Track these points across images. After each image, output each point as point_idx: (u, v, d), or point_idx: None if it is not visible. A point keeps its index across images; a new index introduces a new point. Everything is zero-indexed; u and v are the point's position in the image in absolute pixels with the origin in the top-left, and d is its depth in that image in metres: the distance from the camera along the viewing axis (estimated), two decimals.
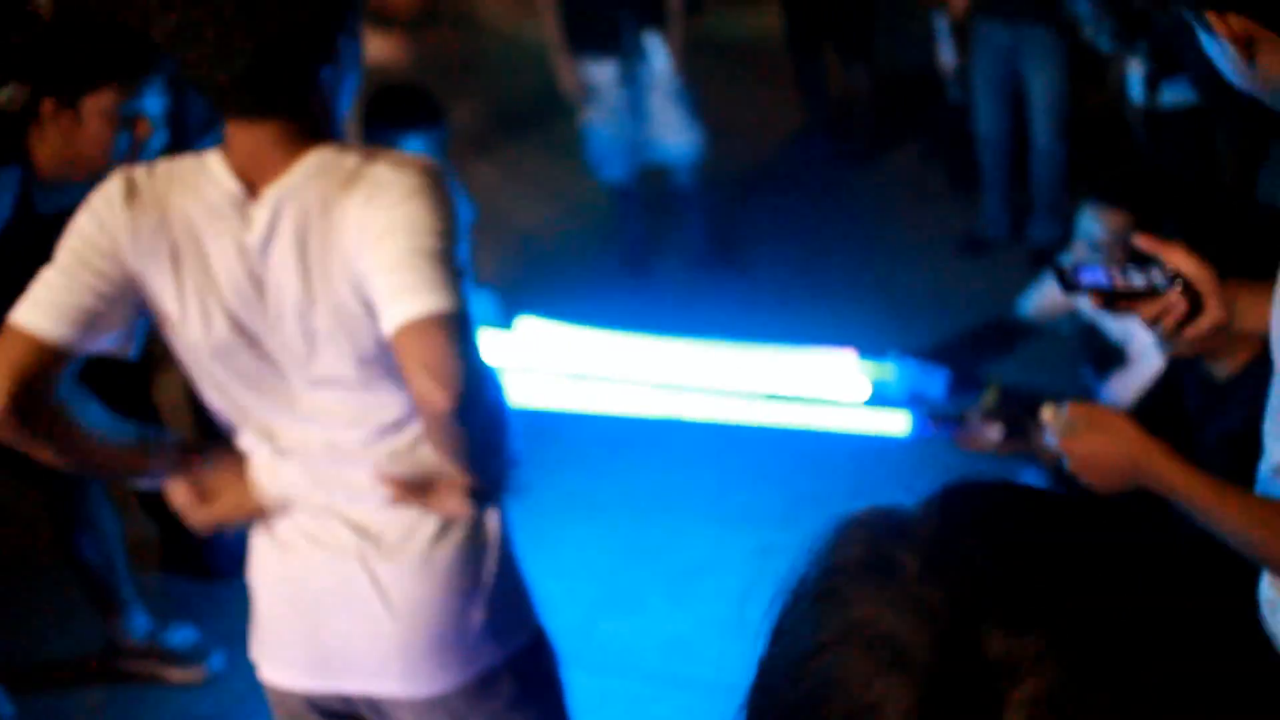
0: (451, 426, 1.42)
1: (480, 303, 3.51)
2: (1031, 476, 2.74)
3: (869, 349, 2.91)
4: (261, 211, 1.49)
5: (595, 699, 2.82)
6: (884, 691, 0.52)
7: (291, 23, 1.42)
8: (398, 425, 1.57)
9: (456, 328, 1.42)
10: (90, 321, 1.50)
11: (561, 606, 3.07)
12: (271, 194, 1.48)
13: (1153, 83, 3.64)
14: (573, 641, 2.96)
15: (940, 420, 2.47)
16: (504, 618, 1.67)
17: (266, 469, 1.63)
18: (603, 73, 4.35)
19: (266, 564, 1.68)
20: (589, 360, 2.83)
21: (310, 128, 1.51)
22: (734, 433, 3.62)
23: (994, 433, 2.39)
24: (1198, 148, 3.60)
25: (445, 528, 1.60)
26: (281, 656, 1.69)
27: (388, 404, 1.55)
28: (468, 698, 1.64)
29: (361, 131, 3.46)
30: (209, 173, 1.52)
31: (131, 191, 1.52)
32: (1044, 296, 3.07)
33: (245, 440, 1.65)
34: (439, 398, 1.39)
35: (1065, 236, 4.61)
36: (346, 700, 1.68)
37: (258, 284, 1.50)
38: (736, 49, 6.65)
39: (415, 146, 3.33)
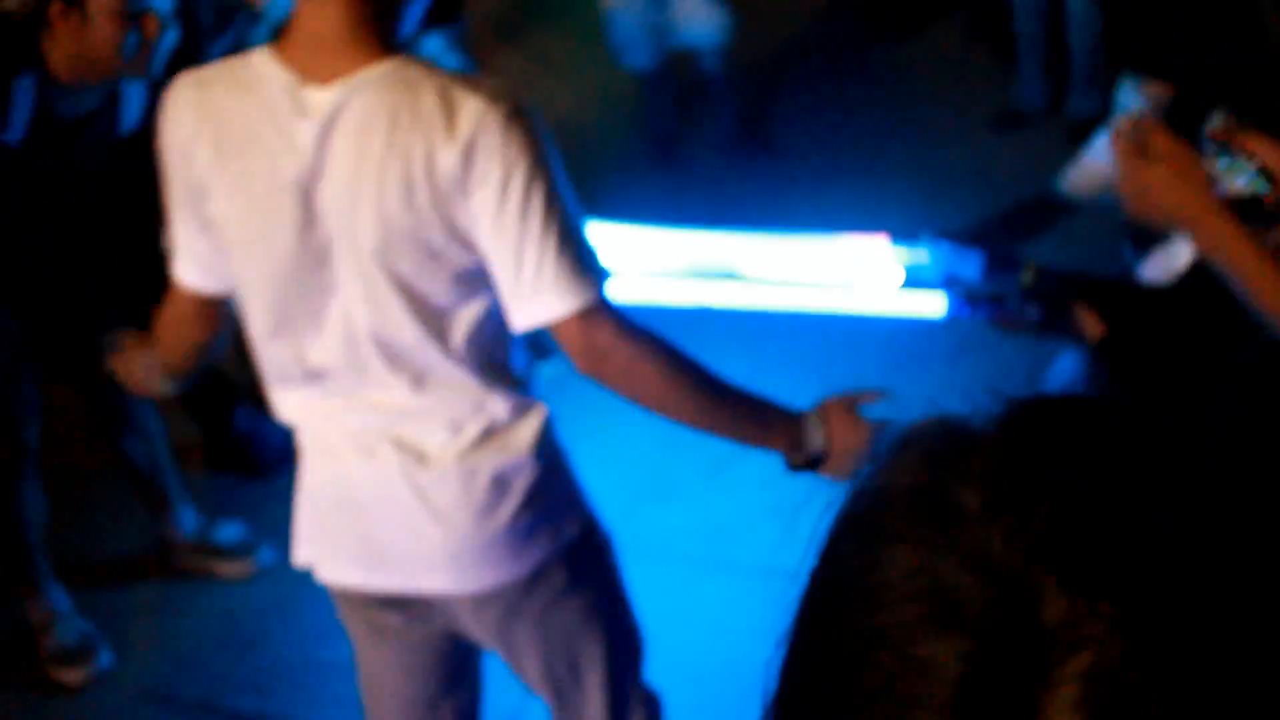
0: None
1: None
2: (1070, 359, 2.72)
3: (903, 231, 2.86)
4: (323, 97, 1.47)
5: (636, 585, 2.88)
6: (932, 651, 0.47)
7: None
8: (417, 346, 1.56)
9: (597, 314, 1.52)
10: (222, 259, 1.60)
11: (602, 495, 3.11)
12: (339, 85, 1.47)
13: None
14: (614, 529, 3.01)
15: (977, 301, 2.44)
16: (551, 514, 1.67)
17: (299, 396, 1.65)
18: None
19: (313, 467, 1.70)
20: (621, 251, 2.82)
21: (380, 12, 1.49)
22: (768, 319, 3.60)
23: (1032, 312, 2.36)
24: (1241, 4, 3.48)
25: (487, 432, 1.61)
26: (334, 556, 1.72)
27: (400, 316, 1.55)
28: (519, 590, 1.67)
29: None
30: (255, 69, 1.51)
31: (175, 112, 1.56)
32: (1083, 170, 3.01)
33: (276, 367, 1.64)
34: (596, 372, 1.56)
35: (1105, 109, 4.53)
36: (402, 597, 1.71)
37: (311, 176, 1.50)
38: None
39: (433, 44, 3.27)
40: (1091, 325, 2.31)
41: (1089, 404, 0.55)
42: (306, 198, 1.50)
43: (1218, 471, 0.52)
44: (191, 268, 1.64)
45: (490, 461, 1.61)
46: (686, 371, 1.59)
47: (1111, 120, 2.73)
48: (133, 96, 2.53)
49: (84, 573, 3.01)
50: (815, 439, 1.70)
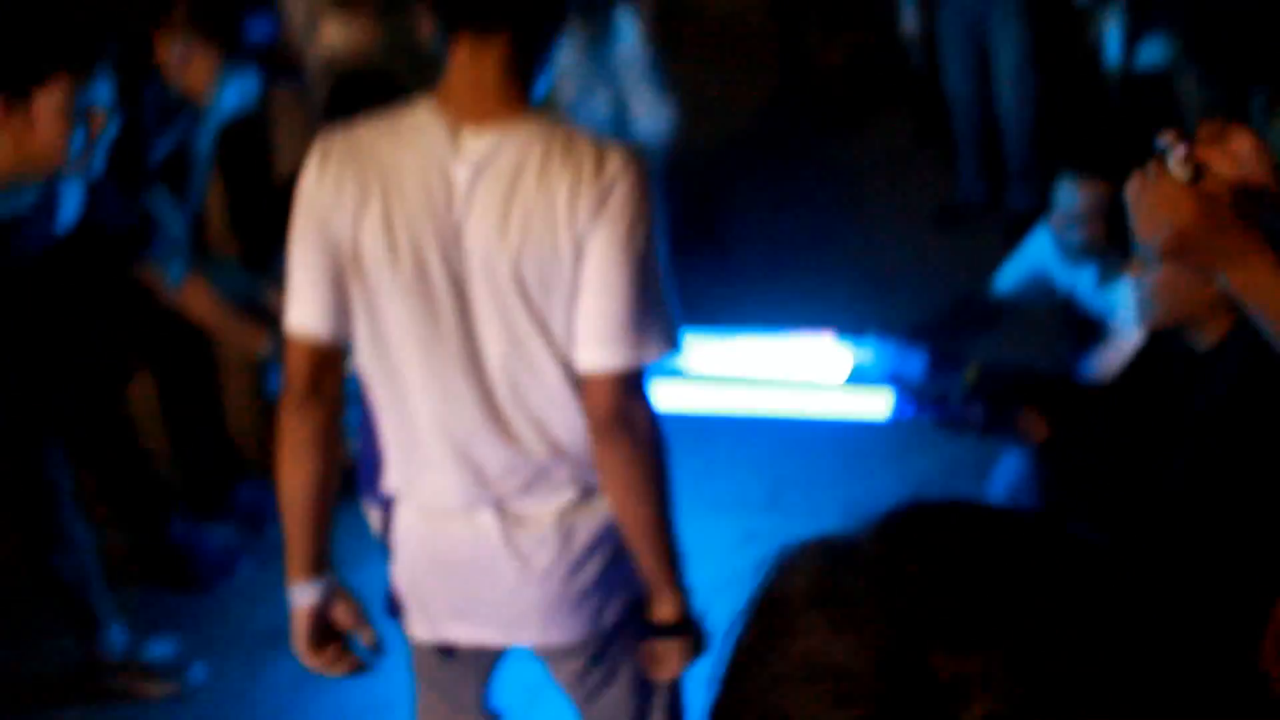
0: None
1: None
2: (1014, 458, 2.71)
3: (847, 328, 2.87)
4: (479, 143, 1.59)
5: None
6: None
7: None
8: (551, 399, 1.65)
9: (638, 382, 1.62)
10: (344, 305, 1.65)
11: None
12: (494, 131, 1.59)
13: (1130, 40, 3.61)
14: None
15: (921, 401, 2.43)
16: (630, 569, 1.75)
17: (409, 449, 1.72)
18: (571, 47, 4.28)
19: (411, 532, 1.76)
20: None
21: (526, 69, 1.61)
22: (715, 419, 3.58)
23: (976, 413, 2.36)
24: (1172, 109, 3.58)
25: (584, 493, 1.70)
26: (425, 613, 1.80)
27: (544, 376, 1.63)
28: (600, 641, 1.78)
29: (324, 124, 3.38)
30: (415, 117, 1.62)
31: (323, 160, 1.64)
32: (1021, 271, 3.03)
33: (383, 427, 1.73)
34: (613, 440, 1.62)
35: (1042, 202, 4.60)
36: (486, 649, 1.85)
37: (463, 213, 1.59)
38: (706, 20, 6.59)
39: None
40: (1036, 425, 2.31)
41: (957, 503, 0.60)
42: (457, 239, 1.60)
43: (1064, 543, 0.57)
44: (309, 314, 1.66)
45: (585, 523, 1.70)
46: (667, 482, 1.69)
47: (1051, 218, 2.76)
48: (70, 195, 2.49)
49: (5, 694, 2.88)
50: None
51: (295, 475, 1.73)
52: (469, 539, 1.70)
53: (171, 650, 2.92)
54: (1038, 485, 2.64)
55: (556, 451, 1.66)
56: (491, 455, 1.66)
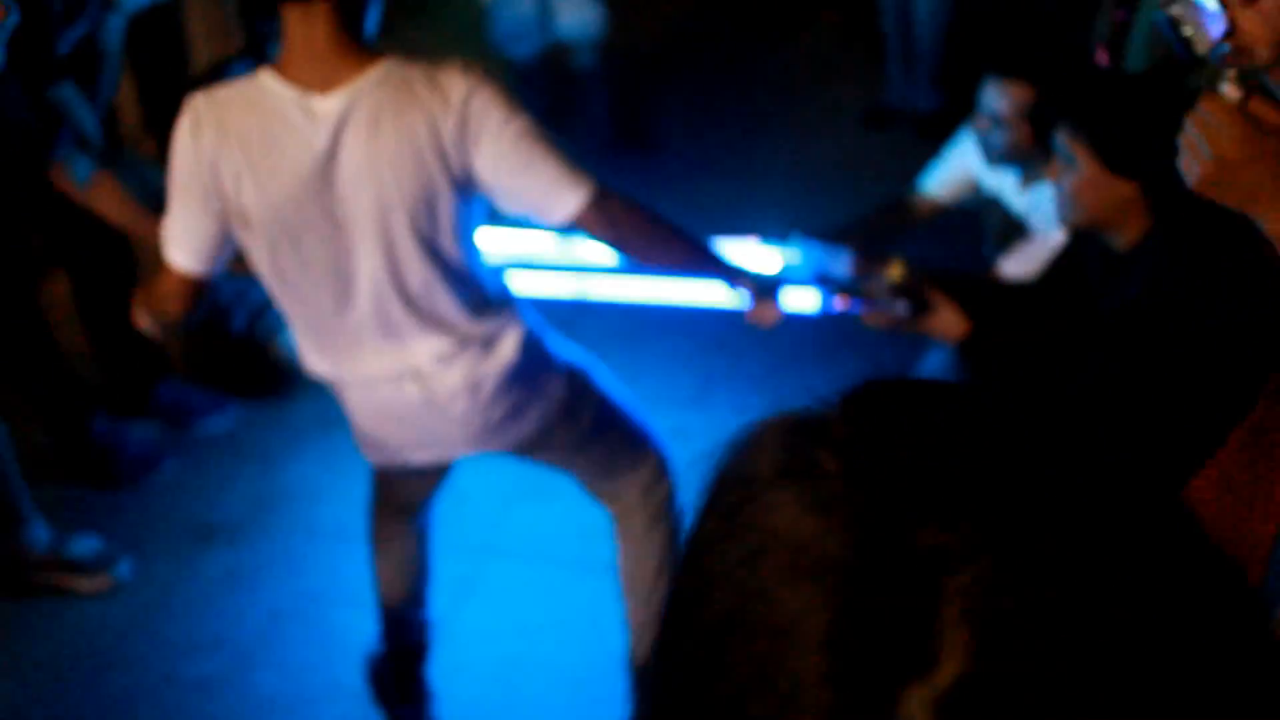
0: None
1: None
2: (938, 354, 2.77)
3: (773, 230, 2.89)
4: (330, 104, 1.84)
5: (512, 584, 2.84)
6: (806, 604, 0.50)
7: None
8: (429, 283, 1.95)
9: (604, 196, 1.96)
10: (217, 246, 1.96)
11: (477, 496, 3.06)
12: (342, 93, 1.84)
13: None
14: (489, 529, 2.97)
15: (846, 297, 2.47)
16: (540, 388, 2.10)
17: (334, 356, 2.03)
18: None
19: (354, 398, 2.08)
20: (494, 244, 2.78)
21: (353, 24, 1.85)
22: (642, 314, 3.60)
23: (900, 308, 2.40)
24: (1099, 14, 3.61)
25: (482, 352, 2.02)
26: (382, 448, 2.16)
27: (416, 266, 1.93)
28: (533, 440, 2.15)
29: (239, 20, 3.27)
30: (262, 87, 1.86)
31: (195, 124, 1.87)
32: (945, 173, 3.07)
33: (313, 336, 2.03)
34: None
35: (950, 106, 4.65)
36: (435, 464, 2.25)
37: (328, 167, 1.85)
38: None
39: None
40: (958, 321, 2.36)
41: (911, 381, 0.60)
42: (328, 187, 1.86)
43: (1035, 420, 0.57)
44: (183, 253, 1.95)
45: (489, 375, 2.02)
46: (669, 221, 2.06)
47: (975, 120, 2.78)
48: None
49: None
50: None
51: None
52: (400, 401, 2.04)
53: (97, 546, 2.90)
54: (960, 379, 2.71)
55: (446, 328, 1.99)
56: (397, 345, 1.99)
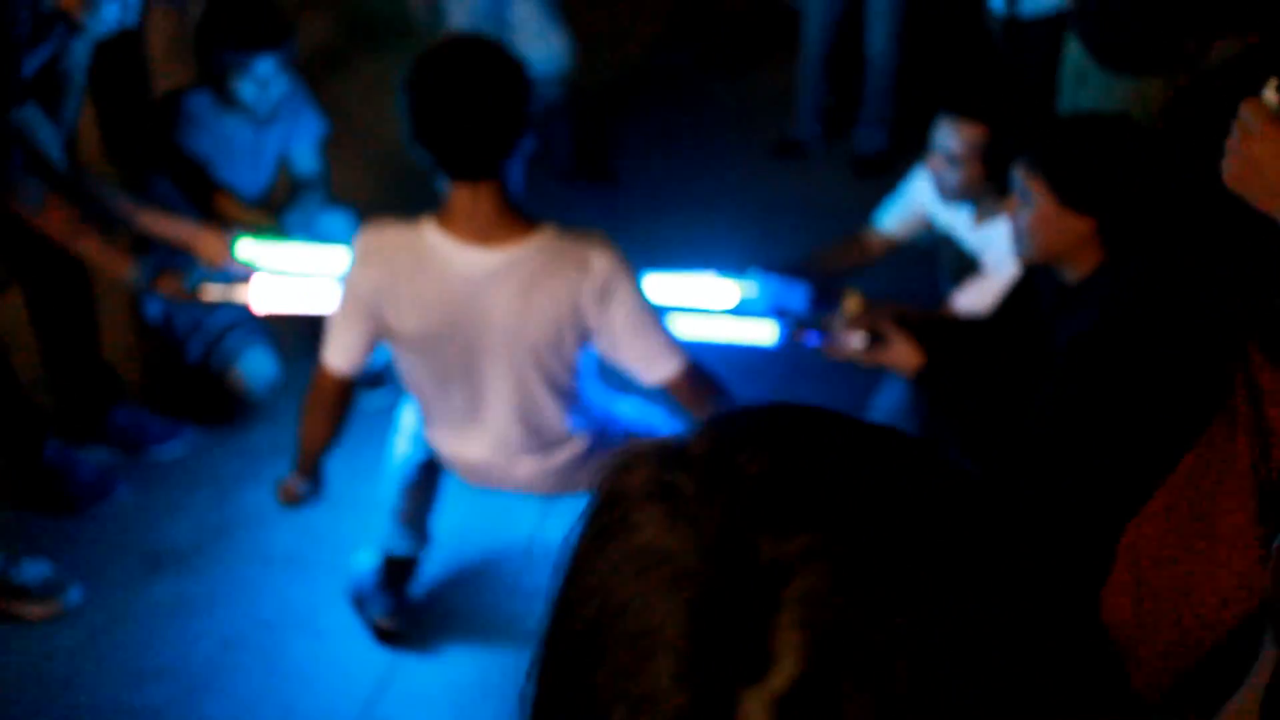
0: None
1: (335, 222, 3.42)
2: (894, 388, 2.81)
3: (731, 264, 2.93)
4: (488, 259, 2.24)
5: (465, 604, 2.83)
6: (663, 612, 0.54)
7: (514, 124, 2.21)
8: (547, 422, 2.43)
9: (693, 368, 2.37)
10: (368, 353, 2.42)
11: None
12: (499, 253, 2.25)
13: None
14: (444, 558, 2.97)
15: (804, 329, 2.51)
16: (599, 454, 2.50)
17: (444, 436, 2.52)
18: None
19: (446, 453, 2.57)
20: None
21: (509, 195, 2.26)
22: None
23: (856, 340, 2.44)
24: (1055, 56, 3.70)
25: (554, 447, 2.48)
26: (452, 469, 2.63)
27: (546, 408, 2.41)
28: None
29: (199, 52, 3.26)
30: (426, 237, 2.27)
31: (365, 257, 2.31)
32: (900, 209, 3.12)
33: (431, 418, 2.52)
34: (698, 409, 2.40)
35: (892, 147, 4.76)
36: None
37: (477, 306, 2.26)
38: None
39: (265, 68, 3.18)
40: (912, 354, 2.41)
41: (782, 404, 0.64)
42: (475, 326, 2.28)
43: (883, 441, 0.62)
44: (340, 358, 2.40)
45: (562, 456, 2.49)
46: (725, 390, 2.45)
47: (928, 159, 2.84)
48: None
49: None
50: None
51: (318, 430, 2.56)
52: (485, 469, 2.53)
53: (46, 572, 2.86)
54: (915, 414, 2.75)
55: (546, 440, 2.45)
56: (502, 445, 2.45)
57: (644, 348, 2.31)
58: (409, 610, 2.80)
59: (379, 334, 2.36)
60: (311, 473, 2.63)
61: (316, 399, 2.49)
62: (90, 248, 2.79)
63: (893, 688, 0.51)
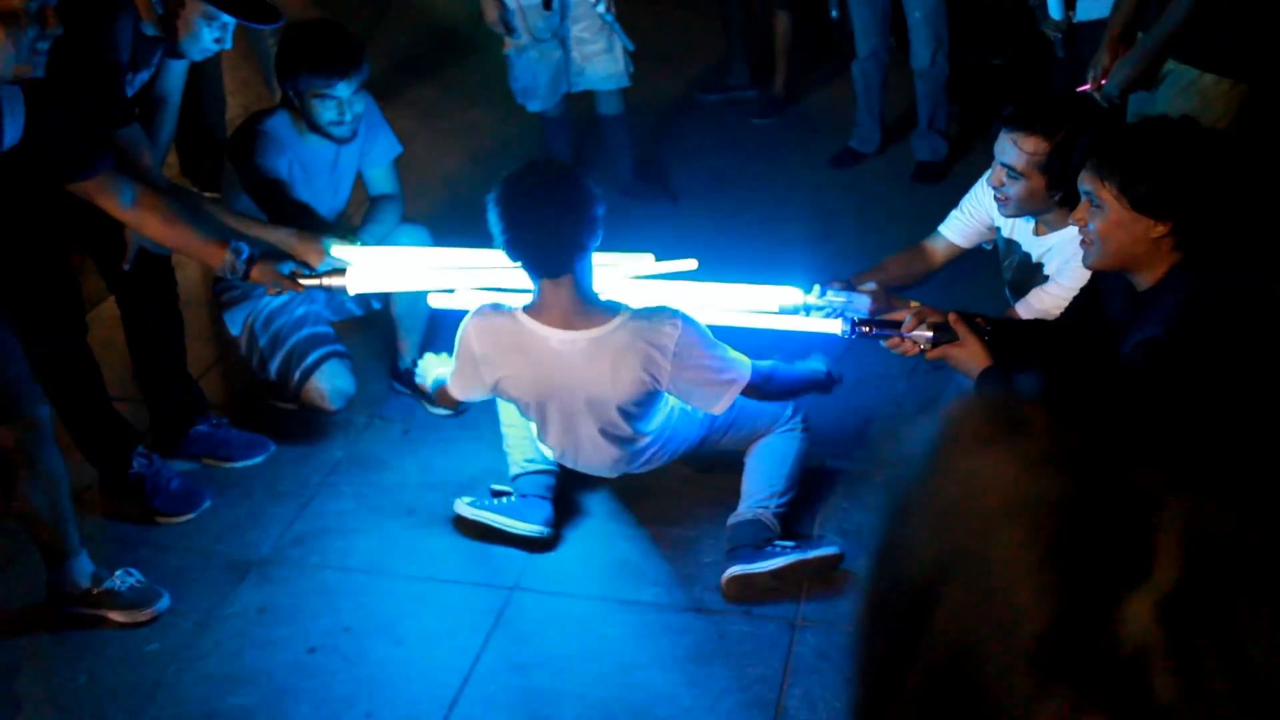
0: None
1: (411, 238, 3.51)
2: (960, 387, 2.84)
3: (794, 275, 2.98)
4: (574, 340, 2.78)
5: (542, 618, 2.90)
6: (1019, 538, 0.57)
7: (585, 232, 2.66)
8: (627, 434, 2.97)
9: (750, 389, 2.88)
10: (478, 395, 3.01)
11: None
12: (589, 335, 2.77)
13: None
14: (520, 564, 3.04)
15: (871, 327, 2.53)
16: (671, 448, 3.11)
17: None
18: (528, 0, 4.31)
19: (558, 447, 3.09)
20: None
21: (589, 285, 2.77)
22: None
23: (924, 333, 2.46)
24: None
25: (633, 442, 2.99)
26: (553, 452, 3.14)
27: (622, 426, 2.93)
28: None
29: (279, 77, 3.36)
30: (522, 323, 2.80)
31: (474, 335, 2.85)
32: (964, 218, 3.15)
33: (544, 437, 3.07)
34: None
35: (951, 154, 4.78)
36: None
37: (570, 375, 2.81)
38: None
39: (343, 92, 3.27)
40: (980, 354, 2.43)
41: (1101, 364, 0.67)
42: (568, 389, 2.84)
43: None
44: (459, 390, 2.99)
45: (640, 451, 3.02)
46: (796, 374, 3.02)
47: (992, 171, 2.86)
48: (13, 113, 2.50)
49: None
50: None
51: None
52: (574, 456, 3.06)
53: (136, 580, 2.96)
54: None
55: (619, 439, 2.95)
56: (589, 447, 2.99)
57: (707, 393, 2.83)
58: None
59: (487, 389, 2.93)
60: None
61: (441, 396, 3.08)
62: (186, 239, 2.88)
63: (1268, 592, 0.53)
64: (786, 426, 3.09)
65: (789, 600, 2.86)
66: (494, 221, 2.64)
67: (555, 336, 2.75)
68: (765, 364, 2.91)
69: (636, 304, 2.81)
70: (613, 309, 2.76)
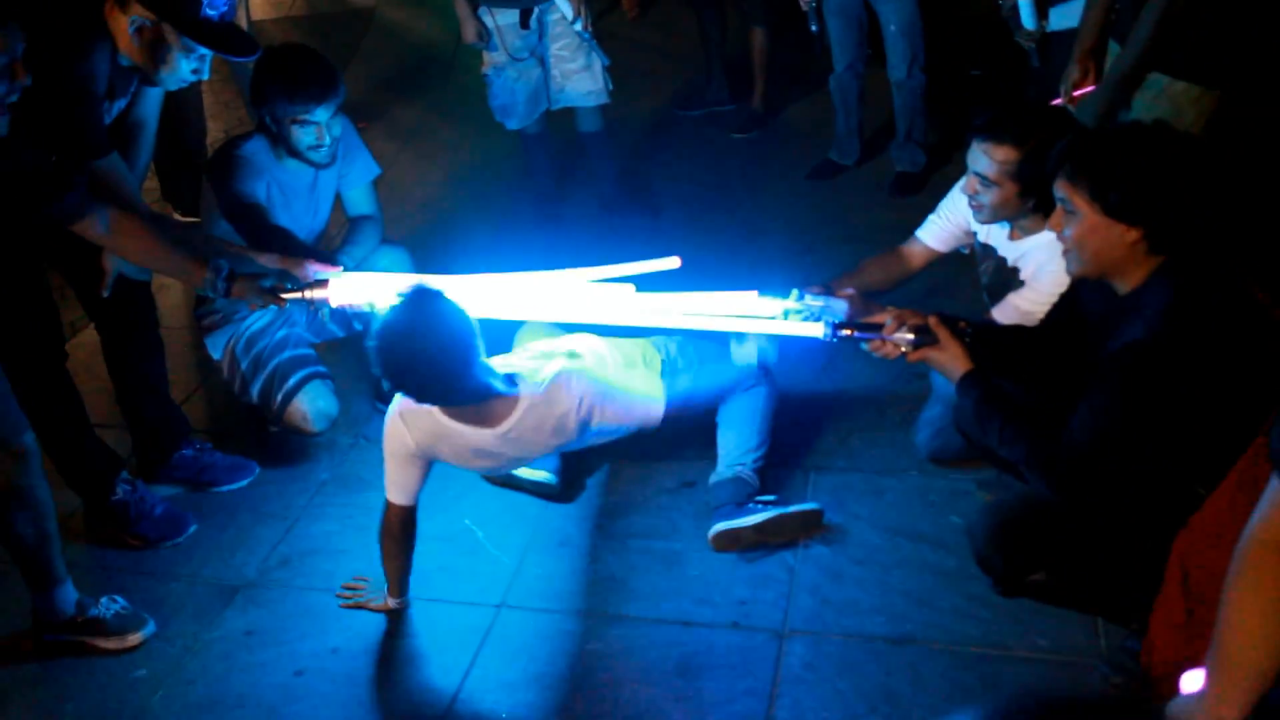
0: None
1: (390, 260, 3.52)
2: (936, 407, 2.85)
3: (774, 285, 2.99)
4: (501, 429, 2.83)
5: (528, 634, 2.90)
6: None
7: (469, 354, 2.65)
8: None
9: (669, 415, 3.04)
10: (420, 487, 2.91)
11: (494, 548, 3.14)
12: (506, 423, 2.82)
13: (1042, 9, 3.77)
14: (505, 581, 3.04)
15: (853, 330, 2.54)
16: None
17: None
18: (506, 19, 4.34)
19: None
20: (511, 307, 2.89)
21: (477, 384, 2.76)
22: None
23: (906, 335, 2.48)
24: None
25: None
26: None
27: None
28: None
29: (256, 103, 3.37)
30: (447, 425, 2.81)
31: (405, 428, 2.84)
32: (940, 223, 3.18)
33: None
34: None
35: (930, 164, 4.81)
36: None
37: (501, 448, 2.88)
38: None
39: (320, 117, 3.28)
40: (961, 356, 2.45)
41: None
42: (500, 457, 2.92)
43: None
44: (400, 495, 2.87)
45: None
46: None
47: (965, 180, 2.88)
48: None
49: None
50: None
51: (397, 558, 2.95)
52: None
53: (121, 607, 2.95)
54: (956, 424, 2.80)
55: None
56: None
57: (631, 425, 2.98)
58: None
59: (429, 467, 2.88)
60: (403, 591, 2.98)
61: (388, 530, 2.89)
62: (165, 258, 2.87)
63: None
64: (750, 383, 3.18)
65: (776, 610, 2.86)
66: (379, 367, 2.60)
67: (469, 432, 2.81)
68: (682, 387, 3.05)
69: (530, 376, 2.84)
70: (513, 393, 2.81)
